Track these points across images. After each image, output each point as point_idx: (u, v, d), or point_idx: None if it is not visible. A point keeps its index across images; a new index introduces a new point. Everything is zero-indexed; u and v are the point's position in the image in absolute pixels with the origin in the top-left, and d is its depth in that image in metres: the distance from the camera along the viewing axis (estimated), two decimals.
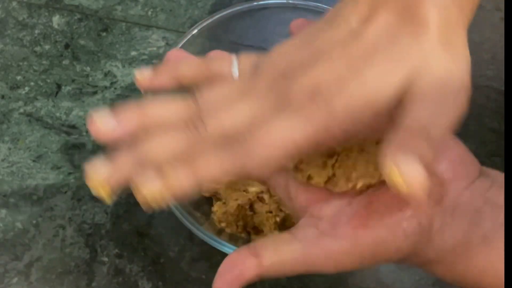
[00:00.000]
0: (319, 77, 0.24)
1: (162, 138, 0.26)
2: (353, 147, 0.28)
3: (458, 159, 0.28)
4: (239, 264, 0.26)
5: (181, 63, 0.32)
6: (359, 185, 0.28)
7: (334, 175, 0.28)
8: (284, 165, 0.29)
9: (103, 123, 0.28)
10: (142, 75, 0.31)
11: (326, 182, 0.28)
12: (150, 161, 0.26)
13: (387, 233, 0.26)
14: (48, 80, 0.57)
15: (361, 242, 0.26)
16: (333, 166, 0.28)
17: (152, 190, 0.25)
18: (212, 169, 0.25)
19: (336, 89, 0.24)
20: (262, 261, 0.26)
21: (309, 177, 0.28)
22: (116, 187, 0.26)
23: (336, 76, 0.24)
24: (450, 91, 0.25)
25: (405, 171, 0.22)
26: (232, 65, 0.30)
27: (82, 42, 0.59)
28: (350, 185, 0.28)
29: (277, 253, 0.26)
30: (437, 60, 0.25)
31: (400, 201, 0.26)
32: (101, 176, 0.26)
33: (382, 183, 0.28)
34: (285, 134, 0.24)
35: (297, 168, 0.29)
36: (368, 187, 0.28)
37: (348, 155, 0.28)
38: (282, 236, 0.28)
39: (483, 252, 0.26)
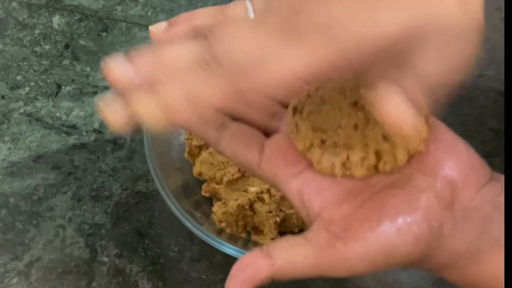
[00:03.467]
0: (331, 13, 0.24)
1: (176, 79, 0.25)
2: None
3: (468, 164, 0.28)
4: (251, 265, 0.27)
5: (197, 12, 0.31)
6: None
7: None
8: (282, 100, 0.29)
9: (119, 68, 0.26)
10: (158, 28, 0.31)
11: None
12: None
13: (398, 238, 0.26)
14: (48, 80, 0.57)
15: (372, 247, 0.26)
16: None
17: (144, 105, 0.24)
18: (206, 90, 0.24)
19: (347, 26, 0.23)
20: (274, 262, 0.26)
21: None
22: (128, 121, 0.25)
23: (349, 13, 0.23)
24: (456, 44, 0.24)
25: (396, 103, 0.23)
26: (247, 9, 0.30)
27: (82, 42, 0.59)
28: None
29: (290, 255, 0.27)
30: (448, 8, 0.24)
31: (411, 204, 0.26)
32: (116, 110, 0.25)
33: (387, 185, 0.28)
34: (287, 63, 0.24)
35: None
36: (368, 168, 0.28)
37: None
38: (295, 239, 0.28)
39: (495, 257, 0.26)
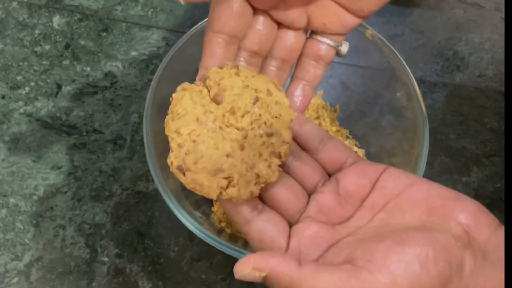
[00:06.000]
0: None
1: None
2: None
3: (476, 209, 0.29)
4: (281, 258, 0.27)
5: None
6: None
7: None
8: None
9: None
10: None
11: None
12: None
13: (422, 270, 0.27)
14: (49, 80, 0.57)
15: (398, 278, 0.27)
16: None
17: None
18: None
19: None
20: (301, 269, 0.27)
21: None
22: None
23: None
24: None
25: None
26: None
27: (82, 42, 0.59)
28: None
29: (315, 276, 0.27)
30: None
31: (432, 240, 0.28)
32: None
33: None
34: None
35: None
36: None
37: None
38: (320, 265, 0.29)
39: None
